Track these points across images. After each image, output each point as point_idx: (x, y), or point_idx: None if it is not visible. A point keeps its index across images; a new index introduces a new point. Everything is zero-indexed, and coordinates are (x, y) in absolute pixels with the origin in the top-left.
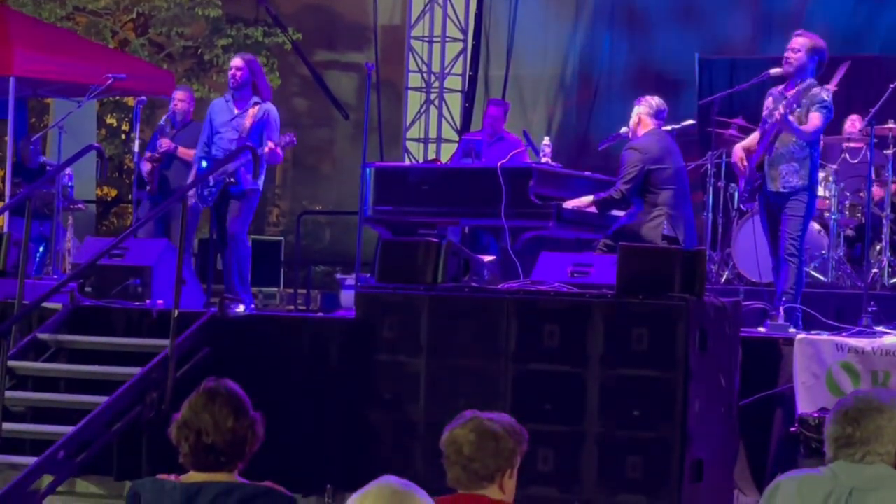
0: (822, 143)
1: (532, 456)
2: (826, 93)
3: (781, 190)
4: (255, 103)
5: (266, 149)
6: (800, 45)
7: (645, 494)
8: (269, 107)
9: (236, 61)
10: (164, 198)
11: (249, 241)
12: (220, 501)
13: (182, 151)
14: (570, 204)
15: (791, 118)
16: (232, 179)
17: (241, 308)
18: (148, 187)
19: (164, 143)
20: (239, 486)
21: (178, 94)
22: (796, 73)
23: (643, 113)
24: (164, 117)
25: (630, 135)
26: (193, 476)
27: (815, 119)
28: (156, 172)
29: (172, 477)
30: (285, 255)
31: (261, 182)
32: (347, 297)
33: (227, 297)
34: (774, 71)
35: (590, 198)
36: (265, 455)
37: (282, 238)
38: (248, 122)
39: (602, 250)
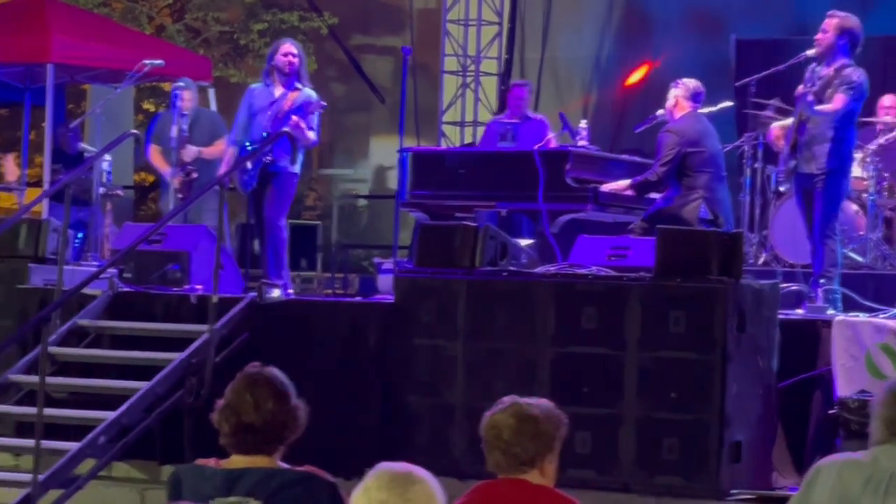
0: (857, 123)
1: (570, 439)
2: (858, 74)
3: (815, 171)
4: (297, 88)
5: (291, 123)
6: (829, 25)
7: (683, 476)
8: (311, 92)
9: (291, 47)
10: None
11: (287, 226)
12: (261, 486)
13: (206, 152)
14: (607, 187)
15: (810, 98)
16: (269, 158)
17: (275, 293)
18: (181, 196)
19: (189, 153)
20: (280, 472)
21: (186, 95)
22: (826, 53)
23: (680, 95)
24: (174, 127)
25: (667, 117)
26: (234, 461)
27: (837, 100)
28: (186, 186)
29: (213, 462)
30: (322, 240)
31: (298, 167)
32: (385, 282)
33: (266, 282)
34: (811, 52)
35: (627, 181)
36: (303, 439)
37: (318, 222)
38: (286, 106)
39: (638, 233)
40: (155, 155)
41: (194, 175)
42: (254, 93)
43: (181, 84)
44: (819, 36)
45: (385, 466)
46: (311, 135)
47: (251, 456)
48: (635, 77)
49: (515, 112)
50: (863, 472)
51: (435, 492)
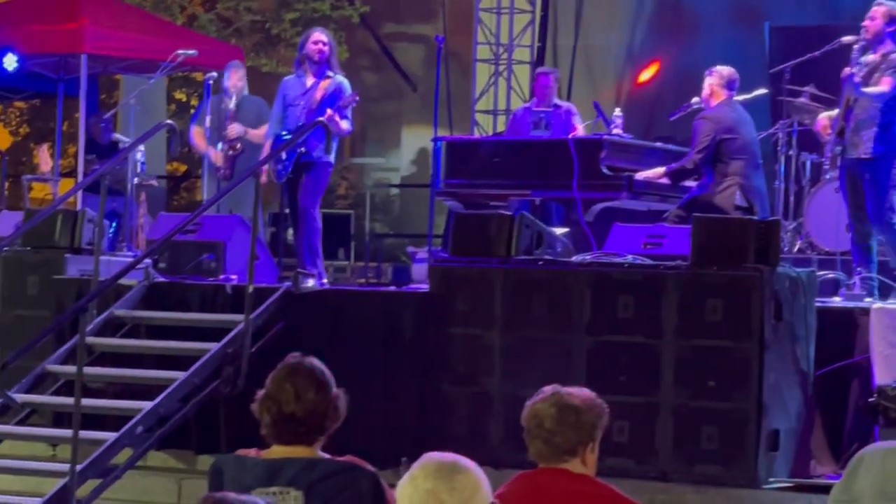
0: None
1: (607, 427)
2: None
3: (862, 156)
4: (328, 76)
5: (326, 115)
6: (877, 13)
7: (721, 465)
8: (342, 80)
9: (321, 35)
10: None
11: (320, 215)
12: (302, 476)
13: (252, 134)
14: (642, 175)
15: (857, 80)
16: (303, 149)
17: (310, 282)
18: (224, 172)
19: (235, 130)
20: (321, 462)
21: (238, 73)
22: (874, 40)
23: (715, 84)
24: (224, 99)
25: (703, 105)
26: (275, 451)
27: (885, 82)
28: (230, 161)
29: (253, 452)
30: (354, 229)
31: (332, 156)
32: (419, 271)
33: (301, 271)
34: (846, 38)
35: (662, 169)
36: (340, 429)
37: (351, 211)
38: (318, 95)
39: (674, 221)
40: (197, 136)
41: (239, 147)
42: (287, 84)
43: (232, 64)
44: (867, 23)
45: (432, 456)
46: (345, 124)
47: (292, 446)
48: (646, 75)
49: (542, 100)
50: None
51: (481, 481)
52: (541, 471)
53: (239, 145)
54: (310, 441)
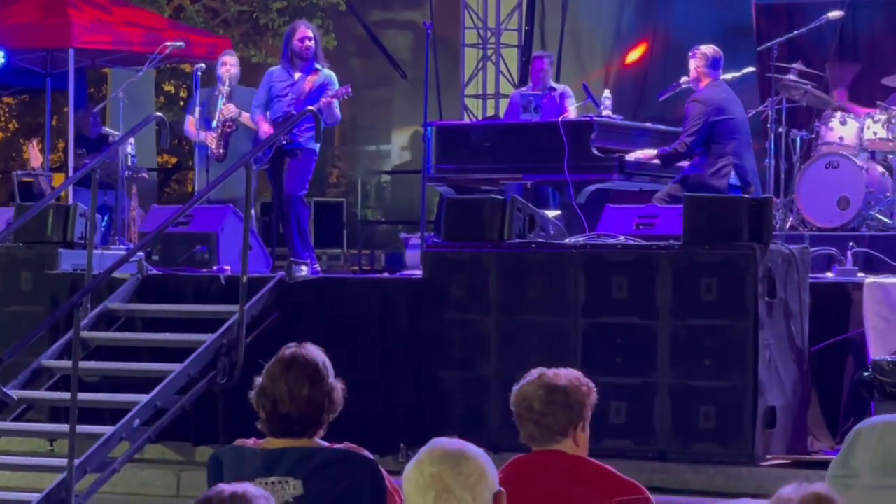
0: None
1: (605, 409)
2: None
3: None
4: (317, 70)
5: (321, 103)
6: None
7: (719, 443)
8: (329, 73)
9: (306, 31)
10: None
11: (309, 203)
12: (301, 466)
13: (245, 117)
14: (633, 156)
15: None
16: (286, 139)
17: (304, 270)
18: (217, 151)
19: (229, 110)
20: (319, 451)
21: (231, 60)
22: None
23: (700, 66)
24: (218, 87)
25: (692, 87)
26: (273, 441)
27: None
28: (225, 138)
29: (251, 442)
30: (346, 216)
31: (315, 144)
32: (412, 257)
33: (294, 260)
34: (833, 14)
35: (654, 150)
36: (338, 416)
37: (343, 199)
38: (307, 87)
39: (665, 201)
40: (191, 125)
41: (232, 127)
42: (273, 75)
43: (225, 52)
44: None
45: (439, 441)
46: (337, 112)
47: (289, 439)
48: (634, 55)
49: (537, 84)
50: None
51: (487, 467)
52: (535, 454)
53: (233, 126)
54: (308, 435)
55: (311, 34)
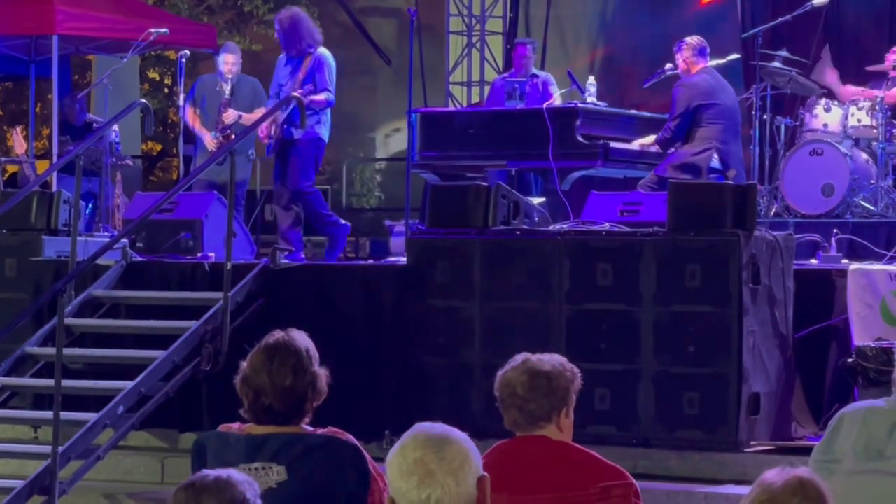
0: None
1: (589, 395)
2: None
3: None
4: (309, 52)
5: (299, 93)
6: None
7: (703, 430)
8: (322, 52)
9: (276, 21)
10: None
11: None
12: (284, 451)
13: (246, 118)
14: (635, 144)
15: None
16: (276, 132)
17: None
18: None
19: (230, 116)
20: (303, 436)
21: (232, 58)
22: None
23: (688, 56)
24: (219, 82)
25: (683, 76)
26: (258, 427)
27: None
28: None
29: (236, 426)
30: (331, 203)
31: (321, 130)
32: (397, 244)
33: (279, 247)
34: (817, 1)
35: (653, 137)
36: (323, 403)
37: (328, 186)
38: (301, 75)
39: (652, 187)
40: (192, 116)
41: (233, 137)
42: (279, 63)
43: (226, 47)
44: None
45: (422, 426)
46: (322, 96)
47: (273, 426)
48: None
49: (520, 70)
50: (888, 419)
51: (470, 452)
52: (518, 440)
53: (232, 134)
54: (291, 423)
55: (276, 26)
